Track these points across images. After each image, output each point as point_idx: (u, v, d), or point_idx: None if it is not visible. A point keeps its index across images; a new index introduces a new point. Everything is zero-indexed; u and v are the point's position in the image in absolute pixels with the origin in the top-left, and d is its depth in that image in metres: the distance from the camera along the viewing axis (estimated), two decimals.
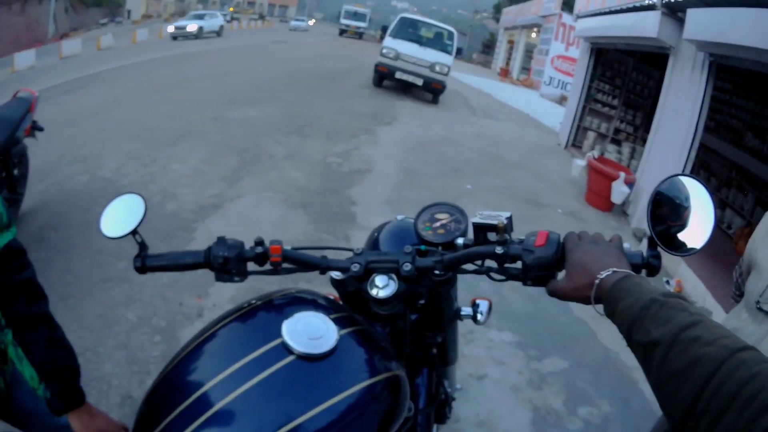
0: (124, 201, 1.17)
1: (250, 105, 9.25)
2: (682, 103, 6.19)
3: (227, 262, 1.10)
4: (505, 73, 31.56)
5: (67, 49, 16.10)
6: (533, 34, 28.55)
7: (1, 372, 1.32)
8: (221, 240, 1.12)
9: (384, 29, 14.97)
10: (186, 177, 5.47)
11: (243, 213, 4.88)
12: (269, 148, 6.94)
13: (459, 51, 13.94)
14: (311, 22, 60.65)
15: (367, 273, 1.15)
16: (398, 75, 12.56)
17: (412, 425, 1.37)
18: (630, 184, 6.92)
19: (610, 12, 8.75)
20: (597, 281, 0.90)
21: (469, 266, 1.16)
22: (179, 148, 6.35)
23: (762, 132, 6.68)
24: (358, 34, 41.81)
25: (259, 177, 5.85)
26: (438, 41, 13.56)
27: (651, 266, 1.00)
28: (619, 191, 6.86)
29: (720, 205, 6.87)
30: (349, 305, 1.23)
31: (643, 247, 1.11)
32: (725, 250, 5.53)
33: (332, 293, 1.27)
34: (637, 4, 7.37)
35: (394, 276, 1.14)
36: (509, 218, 1.13)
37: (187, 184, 5.29)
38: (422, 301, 1.33)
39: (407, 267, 1.13)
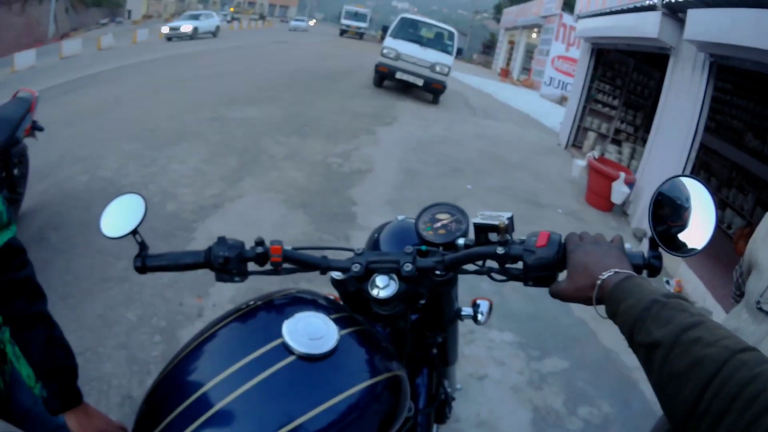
0: (125, 201, 1.17)
1: (251, 105, 9.25)
2: (682, 103, 6.19)
3: (228, 262, 1.10)
4: (505, 74, 31.57)
5: (68, 49, 16.10)
6: (534, 35, 28.56)
7: (0, 372, 1.32)
8: (221, 240, 1.12)
9: (384, 29, 14.99)
10: (186, 177, 5.47)
11: (243, 213, 4.87)
12: (269, 148, 6.94)
13: (459, 51, 13.94)
14: (312, 23, 60.67)
15: (368, 273, 1.15)
16: (399, 75, 12.56)
17: (412, 425, 1.37)
18: (630, 184, 6.92)
19: (611, 12, 8.76)
20: (599, 282, 0.90)
21: (470, 266, 1.16)
22: (179, 148, 6.35)
23: (762, 132, 6.68)
24: (359, 35, 41.83)
25: (260, 177, 5.85)
26: (438, 41, 13.57)
27: (652, 267, 1.00)
28: (619, 191, 6.86)
29: (720, 205, 6.87)
30: (350, 305, 1.23)
31: (644, 247, 1.11)
32: (725, 251, 5.53)
33: (333, 293, 1.26)
34: (638, 5, 7.37)
35: (394, 276, 1.14)
36: (510, 219, 1.13)
37: (187, 184, 5.29)
38: (423, 302, 1.33)
39: (408, 267, 1.13)
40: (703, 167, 7.76)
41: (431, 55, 12.63)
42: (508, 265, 1.09)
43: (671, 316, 0.74)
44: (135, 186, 5.00)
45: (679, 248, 0.99)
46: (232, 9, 60.93)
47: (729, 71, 6.37)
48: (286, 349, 0.95)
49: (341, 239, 4.67)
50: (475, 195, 6.60)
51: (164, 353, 2.87)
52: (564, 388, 3.27)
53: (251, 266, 1.14)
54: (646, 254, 1.01)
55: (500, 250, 1.06)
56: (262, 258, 1.12)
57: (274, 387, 0.91)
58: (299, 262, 1.16)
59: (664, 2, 6.37)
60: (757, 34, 4.28)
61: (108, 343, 2.89)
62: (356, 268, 1.15)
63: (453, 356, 1.73)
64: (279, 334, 0.97)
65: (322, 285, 1.39)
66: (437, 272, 1.15)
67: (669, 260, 5.06)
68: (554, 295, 1.01)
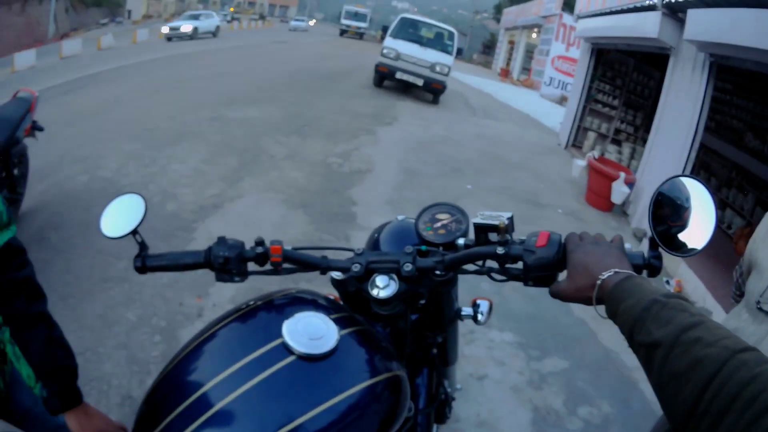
0: (124, 201, 1.17)
1: (251, 105, 9.25)
2: (682, 103, 6.19)
3: (227, 262, 1.10)
4: (505, 74, 31.58)
5: (68, 49, 16.10)
6: (534, 35, 28.57)
7: (0, 372, 1.32)
8: (221, 240, 1.12)
9: (384, 29, 14.99)
10: (186, 177, 5.47)
11: (243, 213, 4.87)
12: (269, 148, 6.94)
13: (459, 51, 13.94)
14: (312, 23, 60.67)
15: (368, 273, 1.15)
16: (399, 75, 12.56)
17: (412, 425, 1.36)
18: (630, 184, 6.92)
19: (611, 12, 8.75)
20: (599, 282, 0.90)
21: (470, 266, 1.16)
22: (179, 148, 6.35)
23: (762, 133, 6.68)
24: (359, 35, 41.85)
25: (260, 177, 5.85)
26: (438, 41, 13.56)
27: (652, 267, 1.00)
28: (619, 191, 6.86)
29: (720, 205, 6.86)
30: (350, 305, 1.23)
31: (644, 247, 1.11)
32: (725, 250, 5.53)
33: (333, 293, 1.26)
34: (638, 5, 7.37)
35: (394, 276, 1.14)
36: (510, 218, 1.13)
37: (187, 184, 5.28)
38: (423, 302, 1.33)
39: (408, 267, 1.13)
40: (703, 167, 7.76)
41: (431, 55, 12.63)
42: (508, 265, 1.09)
43: (671, 316, 0.74)
44: (135, 186, 5.00)
45: (679, 248, 0.99)
46: (232, 9, 60.96)
47: (729, 71, 6.38)
48: (286, 349, 0.95)
49: (341, 239, 4.67)
50: (475, 195, 6.60)
51: (164, 353, 2.87)
52: (564, 388, 3.27)
53: (251, 266, 1.14)
54: (646, 254, 1.01)
55: (500, 250, 1.06)
56: (262, 258, 1.12)
57: (274, 387, 0.91)
58: (299, 262, 1.16)
59: (664, 2, 6.37)
60: (758, 34, 4.28)
61: (108, 343, 2.89)
62: (356, 268, 1.15)
63: (453, 356, 1.72)
64: (279, 334, 0.97)
65: (322, 285, 1.39)
66: (437, 272, 1.15)
67: (669, 260, 5.07)
68: (554, 295, 1.01)
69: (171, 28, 23.91)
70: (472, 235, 1.19)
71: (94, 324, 3.02)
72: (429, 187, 6.57)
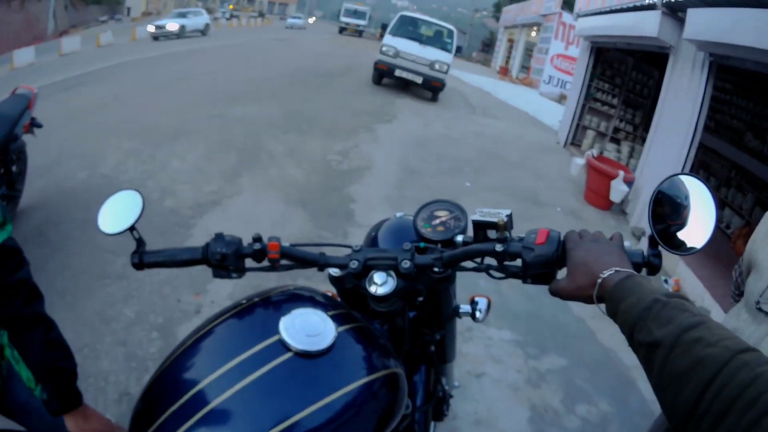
0: (122, 197, 1.16)
1: (250, 102, 9.23)
2: (681, 102, 6.19)
3: (225, 258, 1.09)
4: (504, 72, 31.58)
5: (67, 46, 16.06)
6: (533, 33, 28.58)
7: None
8: (219, 236, 1.11)
9: (384, 27, 14.95)
10: (185, 174, 5.46)
11: (242, 210, 4.87)
12: (269, 145, 6.93)
13: (459, 49, 13.93)
14: (311, 20, 60.65)
15: (366, 270, 1.14)
16: (398, 73, 12.55)
17: (409, 423, 1.36)
18: (629, 182, 6.93)
19: (611, 11, 8.75)
20: (599, 280, 0.89)
21: (468, 264, 1.16)
22: (178, 145, 6.34)
23: (762, 132, 6.68)
24: (358, 32, 41.87)
25: (259, 174, 5.85)
26: (438, 39, 13.55)
27: (652, 265, 1.00)
28: (618, 190, 6.86)
29: (719, 204, 6.86)
30: (348, 302, 1.22)
31: (642, 246, 1.11)
32: (724, 250, 5.53)
33: (330, 290, 1.26)
34: (638, 4, 7.36)
35: (392, 273, 1.13)
36: (509, 216, 1.13)
37: (185, 181, 5.28)
38: (421, 299, 1.33)
39: (406, 264, 1.12)
40: (702, 167, 7.75)
41: (430, 53, 12.62)
42: (506, 263, 1.09)
43: (672, 315, 0.74)
44: (134, 183, 4.99)
45: (679, 247, 0.99)
46: (231, 6, 60.96)
47: (729, 71, 6.37)
48: (283, 346, 0.95)
49: (340, 236, 4.67)
50: (474, 193, 6.60)
51: (162, 350, 2.86)
52: (562, 387, 3.27)
53: (249, 263, 1.14)
54: (645, 252, 1.00)
55: (499, 248, 1.06)
56: (259, 254, 1.12)
57: (270, 384, 0.90)
58: (297, 258, 1.16)
59: (664, 1, 6.37)
60: (758, 34, 4.27)
61: (106, 339, 2.89)
62: (354, 264, 1.14)
63: (451, 354, 1.72)
64: (276, 331, 0.96)
65: (320, 282, 1.39)
66: (435, 269, 1.15)
67: (667, 259, 5.05)
68: (554, 293, 1.01)
69: (157, 27, 22.75)
70: (470, 232, 1.19)
71: (92, 321, 3.02)
72: (428, 184, 6.57)
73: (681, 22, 6.17)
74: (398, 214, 1.56)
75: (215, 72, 12.47)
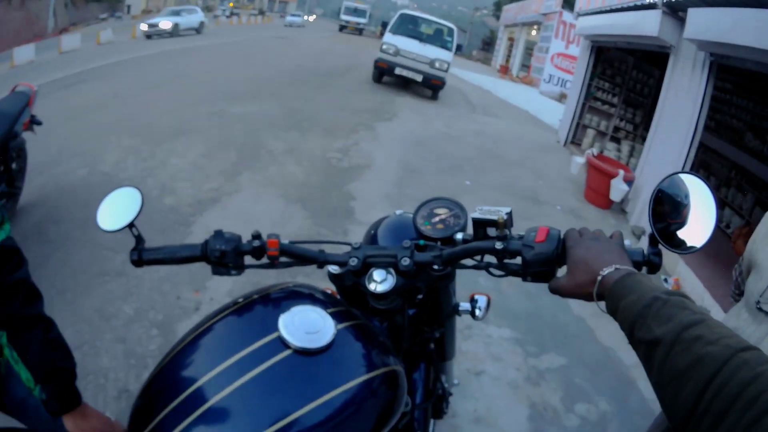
0: (121, 194, 1.16)
1: (250, 100, 9.23)
2: (682, 102, 6.18)
3: (224, 255, 1.09)
4: (505, 71, 31.58)
5: (67, 44, 16.04)
6: (533, 32, 28.58)
7: None
8: (218, 233, 1.11)
9: (384, 25, 14.95)
10: (185, 171, 5.46)
11: (241, 207, 4.87)
12: (269, 143, 6.93)
13: (459, 47, 13.92)
14: (311, 18, 60.63)
15: (365, 267, 1.14)
16: (398, 71, 12.55)
17: (409, 420, 1.36)
18: (629, 181, 6.92)
19: (611, 10, 8.74)
20: (599, 278, 0.89)
21: (468, 261, 1.15)
22: (178, 142, 6.33)
23: (762, 132, 6.67)
24: (358, 30, 41.88)
25: (258, 172, 5.84)
26: (438, 38, 13.54)
27: (652, 263, 1.00)
28: (618, 189, 6.85)
29: (719, 204, 6.84)
30: (347, 300, 1.22)
31: (642, 245, 1.11)
32: (724, 250, 5.52)
33: (330, 287, 1.26)
34: (638, 3, 7.35)
35: (392, 271, 1.13)
36: (509, 214, 1.13)
37: (185, 178, 5.27)
38: (420, 296, 1.33)
39: (406, 262, 1.12)
40: (702, 166, 7.75)
41: (430, 51, 12.61)
42: (506, 261, 1.09)
43: (672, 313, 0.74)
44: (133, 180, 4.98)
45: (679, 245, 0.99)
46: (231, 4, 60.80)
47: (729, 70, 6.36)
48: (282, 343, 0.95)
49: (339, 234, 4.66)
50: (474, 191, 6.60)
51: (161, 347, 2.86)
52: (561, 385, 3.27)
53: (248, 260, 1.14)
54: (645, 251, 1.00)
55: (499, 245, 1.06)
56: (258, 251, 1.12)
57: (269, 381, 0.90)
58: (296, 255, 1.16)
59: (665, 1, 6.36)
60: (758, 33, 4.27)
61: (105, 336, 2.89)
62: (353, 262, 1.14)
63: (450, 351, 1.72)
64: (275, 328, 0.96)
65: (319, 279, 1.39)
66: (435, 267, 1.14)
67: (667, 258, 5.05)
68: (554, 290, 1.01)
69: (150, 26, 21.98)
70: (470, 230, 1.18)
71: (91, 318, 3.01)
72: (427, 182, 6.56)
73: (681, 21, 6.17)
74: (398, 212, 1.56)
75: (215, 70, 12.47)
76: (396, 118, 10.08)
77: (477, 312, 1.59)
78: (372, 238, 1.48)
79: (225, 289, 3.44)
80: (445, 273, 1.16)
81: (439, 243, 1.22)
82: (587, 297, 0.93)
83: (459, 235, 1.20)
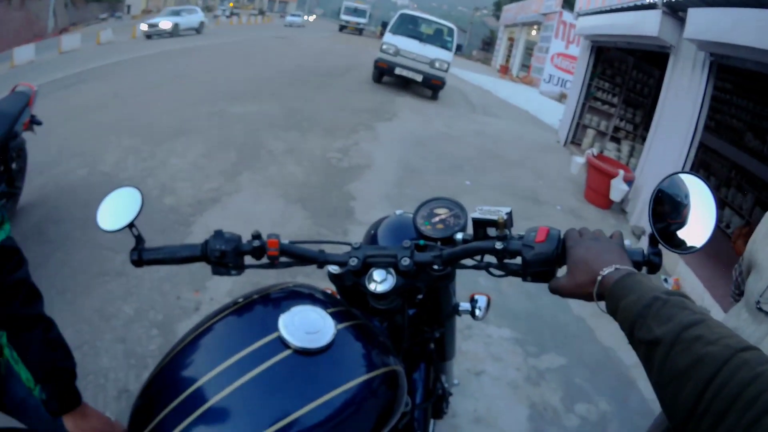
0: (121, 194, 1.16)
1: (250, 101, 9.23)
2: (682, 102, 6.18)
3: (224, 255, 1.09)
4: (505, 70, 31.58)
5: (67, 44, 16.03)
6: (533, 32, 28.58)
7: None
8: (218, 233, 1.11)
9: (384, 25, 14.94)
10: (185, 172, 5.45)
11: (241, 207, 4.86)
12: (268, 143, 6.92)
13: (459, 47, 13.91)
14: (311, 18, 60.61)
15: (365, 267, 1.14)
16: (398, 71, 12.55)
17: (409, 420, 1.36)
18: (629, 182, 6.92)
19: (611, 10, 8.74)
20: (599, 278, 0.89)
21: (468, 261, 1.15)
22: (178, 142, 6.33)
23: (762, 133, 6.67)
24: (358, 30, 41.90)
25: (258, 172, 5.84)
26: (438, 38, 13.54)
27: (652, 263, 1.00)
28: (618, 189, 6.85)
29: (719, 204, 6.83)
30: (347, 300, 1.22)
31: (642, 245, 1.11)
32: (724, 250, 5.52)
33: (330, 287, 1.26)
34: (638, 3, 7.35)
35: (392, 271, 1.13)
36: (509, 214, 1.12)
37: (185, 178, 5.27)
38: (420, 296, 1.33)
39: (406, 262, 1.12)
40: (702, 166, 7.75)
41: (430, 51, 12.61)
42: (506, 261, 1.09)
43: (672, 313, 0.74)
44: (134, 180, 4.98)
45: (679, 245, 0.99)
46: (231, 4, 60.80)
47: (729, 71, 6.36)
48: (282, 343, 0.95)
49: (339, 234, 4.66)
50: (474, 191, 6.60)
51: (161, 347, 2.86)
52: (561, 385, 3.27)
53: (248, 260, 1.14)
54: (645, 251, 1.00)
55: (499, 245, 1.06)
56: (258, 251, 1.12)
57: (269, 381, 0.90)
58: (296, 255, 1.16)
59: (665, 1, 6.36)
60: (759, 33, 4.27)
61: (105, 336, 2.89)
62: (353, 262, 1.14)
63: (450, 351, 1.72)
64: (275, 328, 0.96)
65: (319, 279, 1.39)
66: (435, 267, 1.14)
67: (667, 258, 5.05)
68: (554, 290, 1.01)
69: (150, 26, 21.78)
70: (470, 230, 1.18)
71: (91, 318, 3.01)
72: (427, 182, 6.56)
73: (681, 21, 6.17)
74: (398, 212, 1.56)
75: (215, 70, 12.47)
76: (396, 118, 10.08)
77: (477, 312, 1.59)
78: (372, 238, 1.48)
79: (225, 289, 3.44)
80: (445, 273, 1.16)
81: (439, 243, 1.22)
82: (587, 297, 0.93)
83: (459, 235, 1.20)
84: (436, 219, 1.28)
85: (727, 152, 7.34)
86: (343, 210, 5.23)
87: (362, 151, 7.41)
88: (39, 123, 4.25)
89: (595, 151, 8.02)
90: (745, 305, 1.40)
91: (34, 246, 3.57)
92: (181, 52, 15.76)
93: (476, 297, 1.60)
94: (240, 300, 1.08)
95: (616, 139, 10.23)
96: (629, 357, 3.57)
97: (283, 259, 1.15)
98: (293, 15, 48.91)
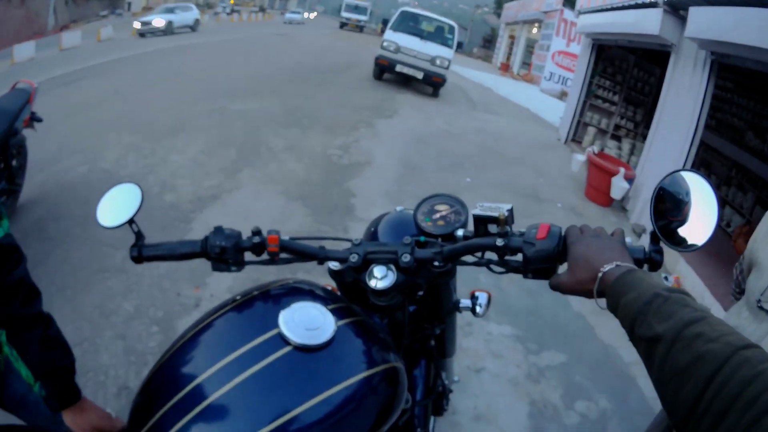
0: (121, 190, 1.16)
1: (250, 98, 9.22)
2: (683, 100, 6.18)
3: (224, 251, 1.09)
4: (505, 68, 31.54)
5: (67, 41, 15.99)
6: (534, 30, 28.55)
7: None
8: (218, 229, 1.11)
9: (385, 23, 14.97)
10: (185, 168, 5.46)
11: (242, 204, 4.86)
12: (269, 140, 6.92)
13: (460, 45, 13.90)
14: (311, 15, 60.50)
15: (366, 264, 1.14)
16: (399, 68, 12.54)
17: (409, 417, 1.36)
18: (630, 179, 6.92)
19: (612, 9, 8.72)
20: (600, 275, 0.89)
21: (468, 258, 1.15)
22: (178, 139, 6.33)
23: (763, 131, 6.66)
24: (359, 28, 41.83)
25: (259, 169, 5.84)
26: (439, 35, 13.52)
27: (653, 261, 0.99)
28: (618, 187, 6.85)
29: (721, 202, 6.83)
30: (348, 296, 1.22)
31: (642, 243, 1.10)
32: (724, 248, 5.52)
33: (330, 284, 1.26)
34: (639, 1, 7.34)
35: (392, 267, 1.13)
36: (510, 210, 1.12)
37: (185, 175, 5.27)
38: (421, 293, 1.32)
39: (406, 258, 1.12)
40: (703, 165, 7.74)
41: (431, 49, 12.61)
42: (507, 257, 1.08)
43: (673, 310, 0.73)
44: (134, 177, 4.98)
45: (680, 243, 0.98)
46: (232, 1, 60.72)
47: (730, 69, 6.35)
48: (282, 340, 0.94)
49: (340, 231, 4.66)
50: (475, 189, 6.60)
51: (161, 344, 2.86)
52: (561, 382, 3.27)
53: (248, 256, 1.14)
54: (647, 248, 1.00)
55: (500, 242, 1.06)
56: (258, 248, 1.11)
57: (269, 378, 0.90)
58: (296, 252, 1.15)
59: None
60: (760, 33, 4.26)
61: (105, 333, 2.89)
62: (354, 258, 1.14)
63: (451, 348, 1.72)
64: (275, 325, 0.96)
65: (320, 276, 1.39)
66: (436, 263, 1.14)
67: (668, 256, 5.04)
68: (554, 287, 1.00)
69: (143, 23, 21.00)
70: (471, 226, 1.18)
71: (91, 315, 3.01)
72: (428, 180, 6.56)
73: (683, 20, 6.16)
74: (398, 208, 1.55)
75: (215, 67, 12.46)
76: (397, 116, 10.08)
77: (477, 309, 1.58)
78: (372, 235, 1.47)
79: (225, 285, 3.44)
80: (445, 269, 1.15)
81: (439, 239, 1.22)
82: (588, 294, 0.92)
83: (460, 232, 1.20)
84: (437, 215, 1.28)
85: (727, 151, 7.34)
86: (344, 207, 5.23)
87: (363, 148, 7.41)
88: (39, 120, 4.25)
89: (595, 148, 8.02)
90: (746, 304, 1.40)
91: (35, 243, 3.57)
92: (182, 49, 15.75)
93: (477, 294, 1.60)
94: (240, 296, 1.08)
95: (616, 137, 10.22)
96: (629, 354, 3.57)
97: (283, 255, 1.15)
98: (293, 12, 48.78)
